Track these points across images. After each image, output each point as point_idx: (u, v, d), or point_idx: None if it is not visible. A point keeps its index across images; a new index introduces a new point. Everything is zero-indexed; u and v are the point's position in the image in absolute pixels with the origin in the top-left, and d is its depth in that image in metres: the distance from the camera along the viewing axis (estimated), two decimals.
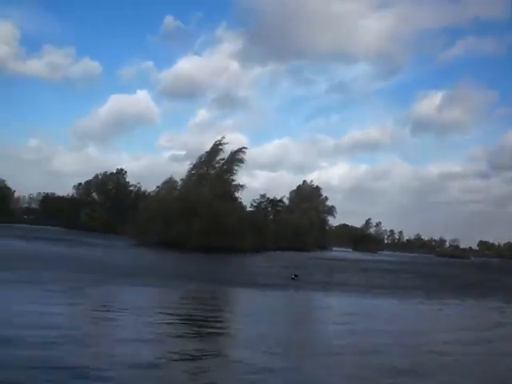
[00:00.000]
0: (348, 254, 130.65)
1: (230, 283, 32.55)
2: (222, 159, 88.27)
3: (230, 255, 63.92)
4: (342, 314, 23.30)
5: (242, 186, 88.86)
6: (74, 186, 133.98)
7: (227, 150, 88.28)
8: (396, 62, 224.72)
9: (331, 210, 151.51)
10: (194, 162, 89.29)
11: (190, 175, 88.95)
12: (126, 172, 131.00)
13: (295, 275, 38.23)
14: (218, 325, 18.07)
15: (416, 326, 20.91)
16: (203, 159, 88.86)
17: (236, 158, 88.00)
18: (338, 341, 16.33)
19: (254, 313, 21.55)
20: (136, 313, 18.17)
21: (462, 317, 25.90)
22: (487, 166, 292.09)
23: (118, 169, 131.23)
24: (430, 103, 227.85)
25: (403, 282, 44.18)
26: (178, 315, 18.83)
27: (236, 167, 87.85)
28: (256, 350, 13.75)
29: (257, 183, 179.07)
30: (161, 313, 18.61)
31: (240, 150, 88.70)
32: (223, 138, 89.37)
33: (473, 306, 31.25)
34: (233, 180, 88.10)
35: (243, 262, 57.49)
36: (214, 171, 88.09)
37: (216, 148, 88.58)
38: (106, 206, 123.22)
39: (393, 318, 22.88)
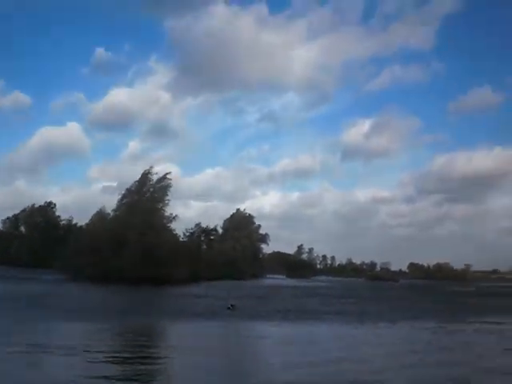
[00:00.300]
0: (282, 281, 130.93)
1: (165, 316, 31.79)
2: (152, 188, 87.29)
3: (163, 287, 62.78)
4: (279, 344, 23.15)
5: (174, 217, 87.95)
6: (2, 220, 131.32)
7: (156, 179, 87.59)
8: (324, 91, 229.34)
9: (264, 238, 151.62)
10: (123, 193, 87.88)
11: (120, 206, 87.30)
12: (55, 205, 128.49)
13: (231, 305, 37.89)
14: (153, 361, 17.48)
15: (352, 353, 20.92)
16: (133, 189, 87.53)
17: (162, 185, 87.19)
18: (276, 373, 16.13)
19: (190, 347, 21.03)
20: (65, 352, 17.35)
21: (396, 340, 26.12)
22: (414, 191, 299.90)
23: (46, 202, 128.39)
24: (358, 131, 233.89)
25: (336, 307, 44.47)
26: (109, 353, 18.09)
27: (166, 197, 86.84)
28: None
29: (191, 213, 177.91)
30: (91, 351, 17.80)
31: (165, 177, 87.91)
32: (151, 167, 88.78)
33: (404, 328, 31.70)
34: (164, 210, 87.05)
35: (177, 293, 56.46)
36: (145, 200, 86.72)
37: (145, 177, 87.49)
38: (35, 239, 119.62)
39: (329, 345, 22.87)
